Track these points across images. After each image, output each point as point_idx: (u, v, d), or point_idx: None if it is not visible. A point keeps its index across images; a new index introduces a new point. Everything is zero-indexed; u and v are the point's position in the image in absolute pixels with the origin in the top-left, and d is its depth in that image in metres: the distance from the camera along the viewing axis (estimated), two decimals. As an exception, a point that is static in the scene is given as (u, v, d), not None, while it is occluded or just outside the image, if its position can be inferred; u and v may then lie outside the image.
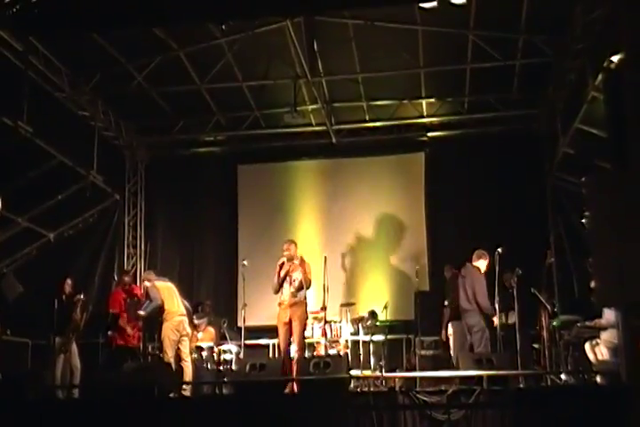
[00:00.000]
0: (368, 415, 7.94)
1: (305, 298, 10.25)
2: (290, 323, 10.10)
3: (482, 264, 10.50)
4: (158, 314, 10.64)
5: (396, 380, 9.88)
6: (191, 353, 11.19)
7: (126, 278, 12.17)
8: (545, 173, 13.11)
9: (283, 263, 10.34)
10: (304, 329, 10.36)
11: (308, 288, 10.27)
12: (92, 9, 8.42)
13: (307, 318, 10.42)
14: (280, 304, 10.23)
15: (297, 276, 10.21)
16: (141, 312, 10.88)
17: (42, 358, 10.41)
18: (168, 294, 10.72)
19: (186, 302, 11.11)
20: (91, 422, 8.01)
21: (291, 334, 10.08)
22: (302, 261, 10.28)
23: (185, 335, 10.63)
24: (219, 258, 14.38)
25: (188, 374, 10.50)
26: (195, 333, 11.86)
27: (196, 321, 11.95)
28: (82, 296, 11.10)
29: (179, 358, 10.48)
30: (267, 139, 14.25)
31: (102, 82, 12.18)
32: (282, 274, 10.23)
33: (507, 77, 12.39)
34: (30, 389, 8.86)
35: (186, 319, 10.77)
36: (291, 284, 10.20)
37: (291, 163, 14.52)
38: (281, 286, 10.23)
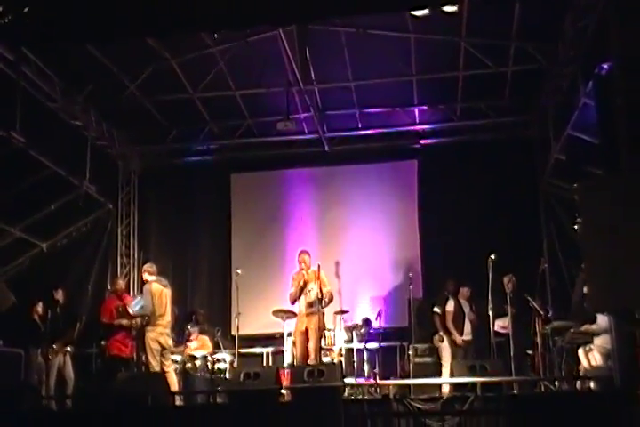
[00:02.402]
0: (362, 423, 7.95)
1: (322, 309, 10.65)
2: (306, 332, 10.51)
3: None
4: (143, 322, 10.64)
5: (391, 387, 9.88)
6: (185, 362, 11.20)
7: (119, 285, 12.17)
8: (537, 180, 13.14)
9: (297, 273, 10.84)
10: (320, 337, 10.65)
11: (331, 301, 10.85)
12: (84, 20, 8.41)
13: (323, 327, 10.78)
14: (298, 314, 10.77)
15: (312, 286, 10.66)
16: (130, 311, 10.89)
17: (34, 369, 10.38)
18: (160, 301, 10.67)
19: (175, 310, 11.10)
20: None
21: (307, 342, 10.50)
22: (319, 276, 10.69)
23: (166, 347, 10.58)
24: (212, 267, 14.34)
25: (174, 383, 10.47)
26: (187, 342, 11.85)
27: (190, 330, 11.96)
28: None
29: (162, 368, 10.47)
30: (260, 147, 14.23)
31: (95, 92, 12.18)
32: (299, 284, 10.67)
33: (499, 84, 12.42)
34: (24, 400, 8.85)
35: (168, 332, 10.71)
36: (306, 294, 10.67)
37: (284, 171, 14.49)
38: (299, 296, 10.66)
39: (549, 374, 10.27)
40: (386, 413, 8.04)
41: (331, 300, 10.87)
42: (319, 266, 10.80)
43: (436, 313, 11.56)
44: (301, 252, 11.15)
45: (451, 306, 11.56)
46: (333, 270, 13.05)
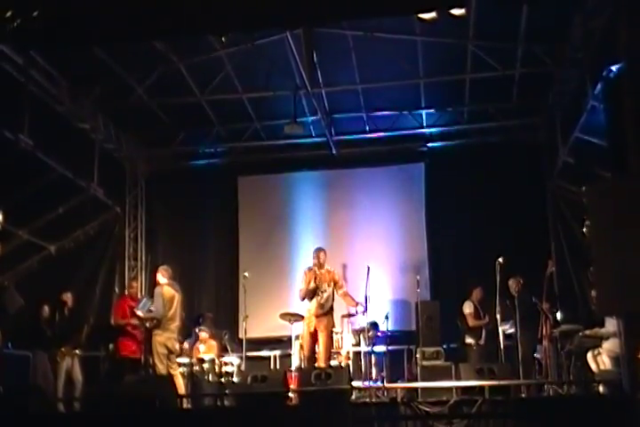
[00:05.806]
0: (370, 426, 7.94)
1: (332, 308, 10.50)
2: (315, 333, 10.31)
3: None
4: (151, 325, 10.59)
5: (398, 390, 9.86)
6: (192, 365, 11.19)
7: (133, 288, 12.22)
8: (545, 182, 13.13)
9: (310, 270, 10.55)
10: (331, 339, 10.56)
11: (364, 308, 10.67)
12: (92, 23, 8.43)
13: (333, 326, 10.63)
14: (306, 314, 10.51)
15: (326, 288, 10.45)
16: (139, 313, 10.85)
17: (42, 372, 10.39)
18: (170, 305, 10.63)
19: (183, 314, 11.08)
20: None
21: (315, 344, 10.31)
22: (338, 280, 10.63)
23: (173, 351, 10.55)
24: (220, 270, 14.35)
25: (180, 386, 10.46)
26: (197, 345, 11.86)
27: (200, 334, 11.96)
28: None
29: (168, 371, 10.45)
30: (267, 150, 14.25)
31: (102, 95, 12.19)
32: (313, 283, 10.38)
33: (506, 87, 12.40)
34: (32, 402, 8.86)
35: (175, 336, 10.68)
36: (319, 295, 10.43)
37: (291, 174, 14.51)
38: (311, 296, 10.39)
39: (557, 378, 10.23)
40: (393, 416, 8.04)
41: (364, 306, 10.71)
42: (369, 268, 10.91)
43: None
44: (317, 249, 10.86)
45: (469, 308, 11.54)
46: (340, 273, 13.02)
